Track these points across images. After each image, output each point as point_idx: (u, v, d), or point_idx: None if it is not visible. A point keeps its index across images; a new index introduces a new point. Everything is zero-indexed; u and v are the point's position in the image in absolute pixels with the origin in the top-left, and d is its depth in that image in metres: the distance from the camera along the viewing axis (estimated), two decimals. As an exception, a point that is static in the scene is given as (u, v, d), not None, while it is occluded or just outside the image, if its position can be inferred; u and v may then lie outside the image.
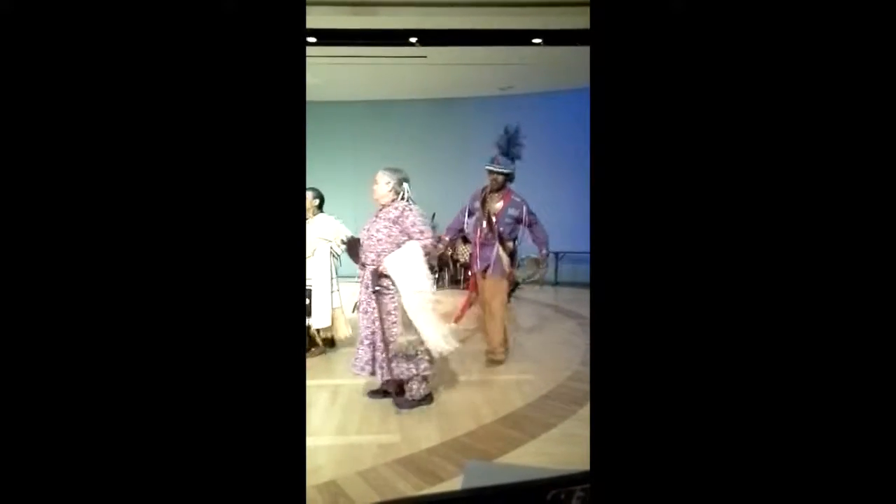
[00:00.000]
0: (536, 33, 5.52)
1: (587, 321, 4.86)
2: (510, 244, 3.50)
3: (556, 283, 7.73)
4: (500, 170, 3.42)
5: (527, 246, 3.65)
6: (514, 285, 3.81)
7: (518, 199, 3.48)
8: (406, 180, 2.74)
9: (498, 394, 2.83)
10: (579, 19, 5.02)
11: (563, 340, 4.16)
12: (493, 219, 3.44)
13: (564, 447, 2.17)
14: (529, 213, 3.48)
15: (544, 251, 3.57)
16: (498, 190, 3.46)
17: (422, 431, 2.32)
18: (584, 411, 2.55)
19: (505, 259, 3.47)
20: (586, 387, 2.90)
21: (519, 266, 3.67)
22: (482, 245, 3.50)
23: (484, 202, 3.49)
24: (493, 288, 3.46)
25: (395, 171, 2.73)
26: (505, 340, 3.50)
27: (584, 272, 8.08)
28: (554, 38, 5.56)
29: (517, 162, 3.51)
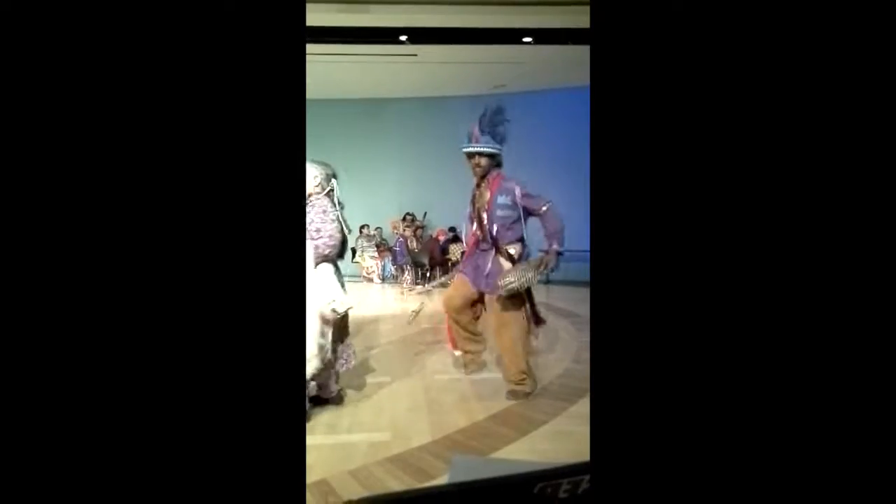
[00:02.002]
0: (527, 32, 5.54)
1: (578, 319, 4.88)
2: (513, 248, 2.64)
3: (547, 282, 7.76)
4: (480, 148, 2.61)
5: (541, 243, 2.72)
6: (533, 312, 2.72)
7: (509, 184, 2.63)
8: (334, 176, 2.49)
9: (489, 391, 2.83)
10: (570, 18, 5.04)
11: (554, 338, 4.18)
12: (484, 216, 2.66)
13: (555, 444, 2.18)
14: (527, 194, 2.59)
15: (554, 245, 2.53)
16: (484, 177, 2.67)
17: (413, 429, 2.32)
18: (575, 408, 2.56)
19: (507, 269, 2.59)
20: (577, 384, 2.91)
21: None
22: (479, 252, 2.72)
23: (474, 199, 2.75)
24: (500, 314, 2.61)
25: (321, 164, 2.49)
26: (527, 368, 2.71)
27: (575, 270, 8.13)
28: (545, 36, 5.58)
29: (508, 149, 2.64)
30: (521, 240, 2.65)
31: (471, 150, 2.62)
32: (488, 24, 5.34)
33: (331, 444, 2.19)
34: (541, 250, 2.66)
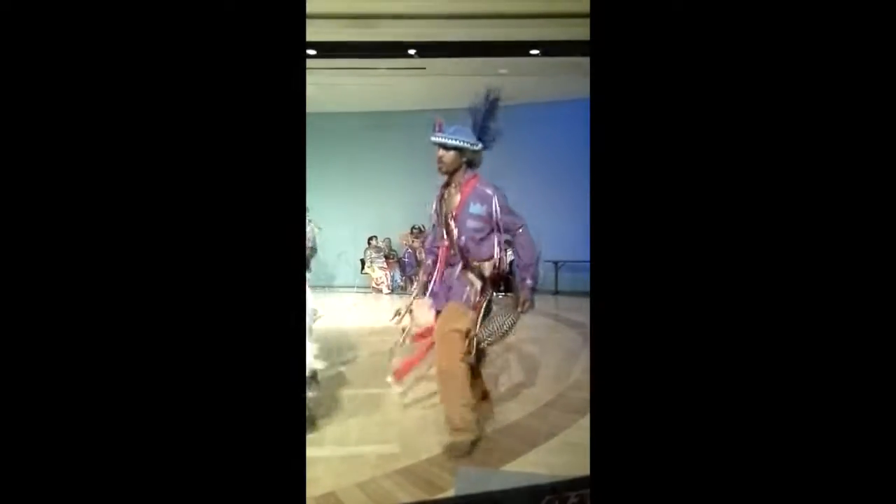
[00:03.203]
0: (534, 45, 5.58)
1: (586, 329, 4.84)
2: (485, 264, 2.14)
3: (556, 293, 7.72)
4: (445, 140, 2.08)
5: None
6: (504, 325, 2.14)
7: (486, 190, 2.10)
8: None
9: (497, 403, 2.81)
10: (577, 31, 5.07)
11: (564, 349, 4.15)
12: (452, 223, 2.14)
13: (565, 456, 2.16)
14: (506, 209, 2.09)
15: (528, 280, 2.08)
16: (452, 175, 2.14)
17: (421, 441, 2.31)
18: (585, 420, 2.53)
19: (475, 286, 2.11)
20: (586, 395, 2.87)
21: (486, 315, 2.12)
22: (447, 265, 2.20)
23: (442, 201, 2.22)
24: (448, 321, 2.10)
25: None
26: (467, 412, 2.10)
27: (584, 281, 8.09)
28: (552, 49, 5.62)
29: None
30: (507, 250, 2.16)
31: (433, 139, 2.12)
32: (495, 38, 5.39)
33: (339, 456, 2.19)
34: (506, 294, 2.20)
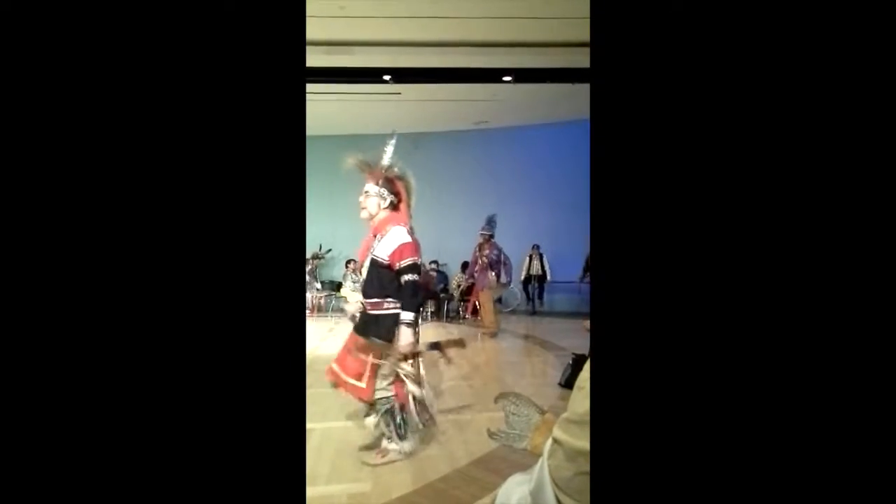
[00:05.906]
0: (507, 71, 5.69)
1: (566, 353, 4.84)
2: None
3: (533, 313, 7.74)
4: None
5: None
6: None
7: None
8: None
9: (472, 434, 2.77)
10: (548, 59, 5.21)
11: (540, 374, 4.14)
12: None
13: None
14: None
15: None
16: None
17: (394, 478, 2.25)
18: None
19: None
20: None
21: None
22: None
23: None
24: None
25: None
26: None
27: (561, 302, 8.13)
28: (524, 75, 5.74)
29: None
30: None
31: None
32: (468, 64, 5.49)
33: (308, 496, 2.11)
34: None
